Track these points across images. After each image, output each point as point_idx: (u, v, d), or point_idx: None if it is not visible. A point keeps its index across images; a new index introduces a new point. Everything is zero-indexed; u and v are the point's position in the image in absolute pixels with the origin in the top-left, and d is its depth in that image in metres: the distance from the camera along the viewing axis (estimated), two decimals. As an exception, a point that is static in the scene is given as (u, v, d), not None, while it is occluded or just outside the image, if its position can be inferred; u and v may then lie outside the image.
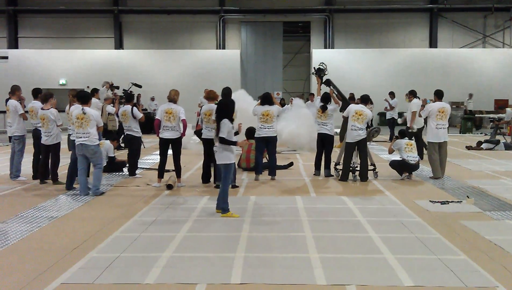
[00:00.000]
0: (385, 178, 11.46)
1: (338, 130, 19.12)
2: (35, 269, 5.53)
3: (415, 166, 11.32)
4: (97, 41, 32.59)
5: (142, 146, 13.51)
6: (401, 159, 11.34)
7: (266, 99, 11.26)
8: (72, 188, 10.12)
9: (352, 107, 11.21)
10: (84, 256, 5.97)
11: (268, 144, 11.20)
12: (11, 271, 5.53)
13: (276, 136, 11.32)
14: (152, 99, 26.84)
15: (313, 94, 19.01)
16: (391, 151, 11.59)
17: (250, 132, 12.30)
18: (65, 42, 32.39)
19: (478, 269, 5.54)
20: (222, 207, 7.95)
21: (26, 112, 11.40)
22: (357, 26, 32.36)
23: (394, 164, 11.58)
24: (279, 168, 12.56)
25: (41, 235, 6.97)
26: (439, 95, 11.78)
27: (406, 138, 11.61)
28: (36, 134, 11.09)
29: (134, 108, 11.47)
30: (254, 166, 11.61)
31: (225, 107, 8.09)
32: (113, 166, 12.13)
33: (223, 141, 7.87)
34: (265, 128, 11.07)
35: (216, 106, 10.43)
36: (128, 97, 12.11)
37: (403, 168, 11.33)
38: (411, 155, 11.20)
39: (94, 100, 12.83)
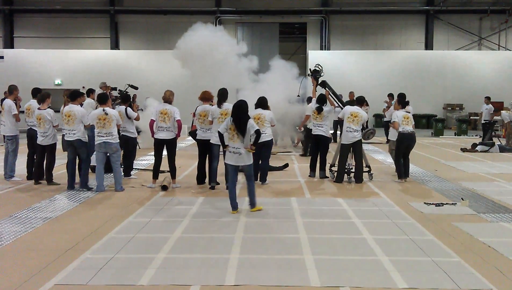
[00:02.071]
0: (380, 179, 11.48)
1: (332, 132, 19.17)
2: (29, 270, 5.51)
3: (411, 138, 11.23)
4: (93, 41, 32.53)
5: (137, 147, 13.49)
6: (397, 137, 11.25)
7: (260, 103, 11.17)
8: (74, 187, 10.15)
9: (348, 109, 11.21)
10: (78, 257, 5.96)
11: (262, 148, 10.87)
12: (5, 272, 5.51)
13: (271, 139, 11.08)
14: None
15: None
16: (397, 126, 11.21)
17: (218, 136, 12.17)
18: (60, 42, 32.31)
19: (472, 271, 5.55)
20: (253, 202, 8.38)
21: (22, 112, 11.38)
22: (353, 27, 32.40)
23: (393, 150, 11.63)
24: (274, 169, 12.56)
25: (35, 236, 6.95)
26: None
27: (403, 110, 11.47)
28: (31, 134, 11.07)
29: (128, 108, 11.47)
30: None
31: (244, 109, 8.30)
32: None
33: (259, 133, 8.35)
34: None
35: (210, 106, 10.50)
36: (123, 98, 12.09)
37: (400, 144, 11.16)
38: (406, 128, 11.10)
39: (89, 100, 12.82)
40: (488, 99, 20.71)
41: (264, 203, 8.93)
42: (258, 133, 8.29)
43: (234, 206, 8.36)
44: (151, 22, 32.46)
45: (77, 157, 10.40)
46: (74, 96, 10.36)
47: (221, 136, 8.54)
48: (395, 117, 11.19)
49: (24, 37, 32.71)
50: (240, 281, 5.24)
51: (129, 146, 11.72)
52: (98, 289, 5.10)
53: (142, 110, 18.27)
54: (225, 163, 8.80)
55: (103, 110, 9.84)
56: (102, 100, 10.11)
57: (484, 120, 20.52)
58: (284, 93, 15.52)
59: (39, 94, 10.91)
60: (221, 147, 10.25)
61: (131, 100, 12.18)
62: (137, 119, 11.67)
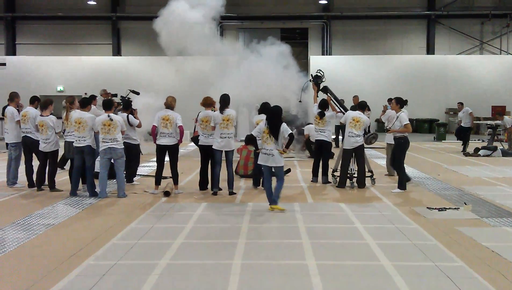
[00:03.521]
0: (382, 184, 11.46)
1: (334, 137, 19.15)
2: (32, 277, 5.50)
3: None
4: (95, 47, 32.61)
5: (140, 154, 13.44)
6: (403, 140, 10.80)
7: (263, 109, 11.12)
8: (76, 194, 10.16)
9: (350, 114, 11.20)
10: (80, 263, 5.95)
11: None
12: (8, 279, 5.51)
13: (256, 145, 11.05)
14: None
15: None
16: (410, 128, 10.90)
17: (250, 139, 12.16)
18: (63, 49, 32.41)
19: (475, 276, 5.54)
20: (274, 199, 8.76)
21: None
22: (355, 32, 32.45)
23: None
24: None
25: (38, 242, 6.95)
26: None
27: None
28: (26, 142, 11.07)
29: (130, 115, 11.44)
30: (252, 176, 11.50)
31: (278, 114, 8.87)
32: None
33: (293, 137, 8.89)
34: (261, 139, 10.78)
35: (212, 112, 10.49)
36: (125, 105, 12.05)
37: (406, 148, 10.86)
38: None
39: (92, 107, 12.81)
40: (461, 104, 19.88)
41: (267, 209, 8.91)
42: (291, 136, 8.81)
43: (272, 202, 8.85)
44: (153, 28, 32.49)
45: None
46: (85, 103, 10.42)
47: (254, 139, 9.05)
48: (406, 119, 10.73)
49: (26, 44, 32.83)
50: (243, 287, 5.23)
51: (131, 153, 11.67)
52: (101, 295, 5.10)
53: None
54: (258, 164, 9.34)
55: (108, 116, 9.86)
56: (107, 106, 10.12)
57: (464, 125, 19.14)
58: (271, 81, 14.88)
59: (42, 101, 10.95)
60: (223, 153, 10.28)
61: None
62: (139, 126, 11.64)
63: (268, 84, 14.30)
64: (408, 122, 10.71)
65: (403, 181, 10.76)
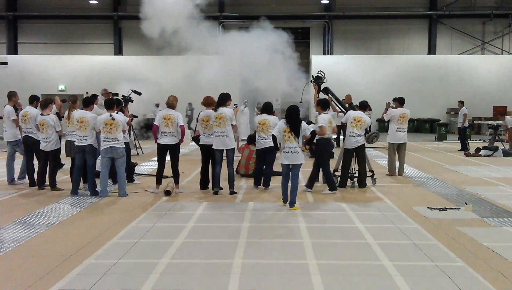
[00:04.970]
0: (383, 184, 11.46)
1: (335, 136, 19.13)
2: (32, 276, 5.51)
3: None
4: (97, 47, 32.65)
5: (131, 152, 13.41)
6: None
7: (266, 108, 11.14)
8: (77, 193, 10.18)
9: (351, 114, 11.18)
10: (81, 262, 5.96)
11: (267, 153, 10.81)
12: (8, 278, 5.52)
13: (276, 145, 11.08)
14: (157, 105, 26.66)
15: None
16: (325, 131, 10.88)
17: (252, 138, 12.20)
18: (64, 48, 32.45)
19: (476, 276, 5.54)
20: (293, 201, 8.94)
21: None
22: (356, 32, 32.46)
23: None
24: (278, 174, 12.50)
25: (38, 241, 6.96)
26: (401, 102, 12.86)
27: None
28: (27, 141, 11.09)
29: (119, 112, 11.39)
30: (254, 176, 11.50)
31: (296, 112, 9.03)
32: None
33: (315, 134, 9.20)
34: (263, 138, 10.73)
35: (212, 111, 10.50)
36: (116, 102, 11.93)
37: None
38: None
39: (94, 106, 12.82)
40: (461, 103, 19.85)
41: (268, 208, 8.94)
42: (313, 133, 9.09)
43: (285, 199, 9.14)
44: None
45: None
46: (87, 102, 10.43)
47: (274, 138, 9.10)
48: (322, 121, 10.43)
49: (27, 43, 32.88)
50: (244, 286, 5.23)
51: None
52: (102, 294, 5.10)
53: (137, 116, 17.92)
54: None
55: (110, 115, 9.88)
56: (109, 105, 10.14)
57: (458, 125, 19.79)
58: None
59: (42, 100, 10.97)
60: (225, 152, 10.28)
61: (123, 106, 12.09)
62: (129, 123, 11.70)
63: (261, 69, 14.26)
64: (324, 124, 10.37)
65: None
